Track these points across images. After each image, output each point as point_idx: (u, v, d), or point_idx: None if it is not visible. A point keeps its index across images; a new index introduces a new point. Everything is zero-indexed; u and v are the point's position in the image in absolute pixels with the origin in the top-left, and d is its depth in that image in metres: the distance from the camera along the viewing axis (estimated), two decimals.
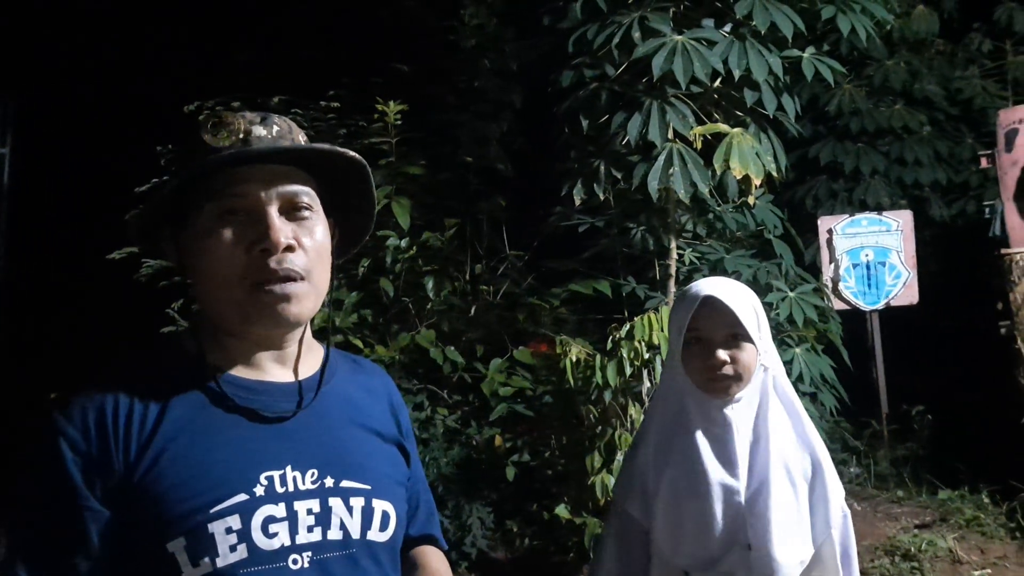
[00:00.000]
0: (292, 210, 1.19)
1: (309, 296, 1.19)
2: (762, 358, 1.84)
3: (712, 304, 1.81)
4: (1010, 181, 5.45)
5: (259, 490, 1.13)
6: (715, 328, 1.82)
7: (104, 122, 7.06)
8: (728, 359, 1.80)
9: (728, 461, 1.82)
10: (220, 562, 1.09)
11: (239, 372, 1.21)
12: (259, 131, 1.18)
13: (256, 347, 1.22)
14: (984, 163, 5.68)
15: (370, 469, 1.24)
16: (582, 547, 4.26)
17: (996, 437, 5.11)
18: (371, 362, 1.43)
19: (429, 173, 5.61)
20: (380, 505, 1.22)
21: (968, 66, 7.54)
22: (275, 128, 1.19)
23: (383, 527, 1.22)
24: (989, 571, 4.46)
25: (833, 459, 5.60)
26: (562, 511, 4.43)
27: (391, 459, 1.31)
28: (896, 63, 7.20)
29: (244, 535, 1.10)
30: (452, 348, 5.05)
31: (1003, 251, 4.83)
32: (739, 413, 1.84)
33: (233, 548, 1.09)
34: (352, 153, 1.22)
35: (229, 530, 1.09)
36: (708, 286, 1.87)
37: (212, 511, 1.10)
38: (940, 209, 7.12)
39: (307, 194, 1.21)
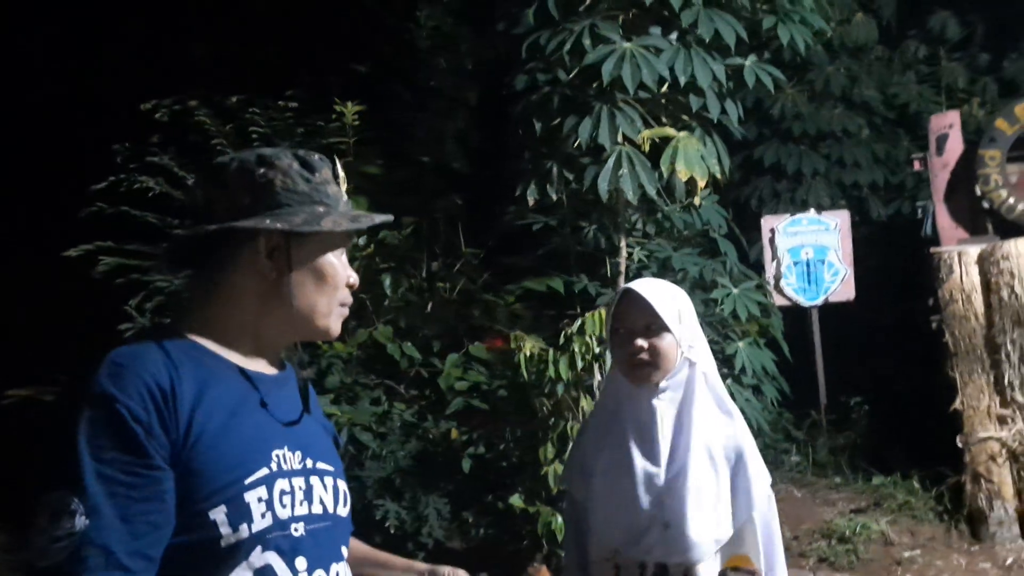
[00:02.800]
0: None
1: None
2: (686, 352, 2.00)
3: (631, 297, 1.99)
4: (940, 183, 5.75)
5: (274, 465, 1.30)
6: (634, 319, 1.99)
7: (58, 119, 7.02)
8: (645, 346, 1.97)
9: (651, 447, 1.99)
10: (254, 528, 1.24)
11: (249, 364, 1.37)
12: (345, 187, 1.47)
13: (268, 347, 1.41)
14: (917, 166, 5.98)
15: (330, 454, 1.44)
16: (535, 535, 4.42)
17: (927, 426, 5.39)
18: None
19: (386, 172, 5.72)
20: (341, 486, 1.42)
21: (905, 72, 7.85)
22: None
23: (344, 504, 1.42)
24: (919, 552, 4.74)
25: (775, 448, 5.87)
26: (516, 501, 4.58)
27: (334, 448, 1.50)
28: (836, 69, 7.47)
29: (269, 504, 1.26)
30: (409, 344, 5.16)
31: (933, 250, 5.10)
32: (665, 403, 2.01)
33: (263, 516, 1.25)
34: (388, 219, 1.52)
35: (260, 500, 1.25)
36: (632, 283, 2.05)
37: (246, 482, 1.25)
38: (878, 209, 7.42)
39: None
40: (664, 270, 5.65)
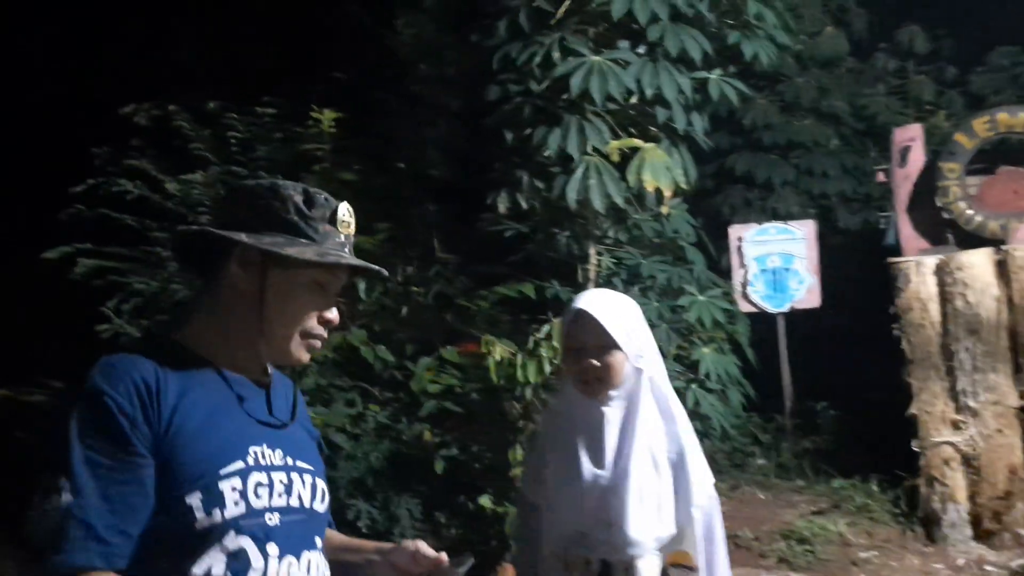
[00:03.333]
0: (336, 294, 1.57)
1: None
2: (634, 362, 2.12)
3: (584, 317, 2.09)
4: (903, 194, 5.91)
5: (250, 460, 1.44)
6: (585, 338, 2.09)
7: (37, 122, 7.08)
8: (597, 365, 2.08)
9: (597, 451, 2.10)
10: (227, 514, 1.38)
11: (234, 370, 1.52)
12: (353, 228, 1.57)
13: (248, 357, 1.53)
14: (881, 177, 6.13)
15: (311, 455, 1.58)
16: (503, 535, 4.52)
17: (887, 430, 5.54)
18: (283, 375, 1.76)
19: (363, 179, 5.81)
20: (320, 484, 1.56)
21: (874, 84, 8.04)
22: (354, 228, 1.58)
23: (322, 500, 1.56)
24: (875, 553, 4.88)
25: (742, 451, 6.00)
26: (485, 501, 4.69)
27: (316, 450, 1.64)
28: (807, 80, 7.64)
29: (243, 494, 1.40)
30: (383, 347, 5.26)
31: (891, 260, 5.25)
32: (612, 410, 2.12)
33: (236, 503, 1.39)
34: (384, 273, 1.62)
35: (234, 489, 1.40)
36: (583, 300, 2.14)
37: (220, 473, 1.39)
38: (846, 218, 7.59)
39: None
40: (633, 277, 5.79)
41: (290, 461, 1.50)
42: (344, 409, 5.19)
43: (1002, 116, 5.54)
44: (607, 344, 2.08)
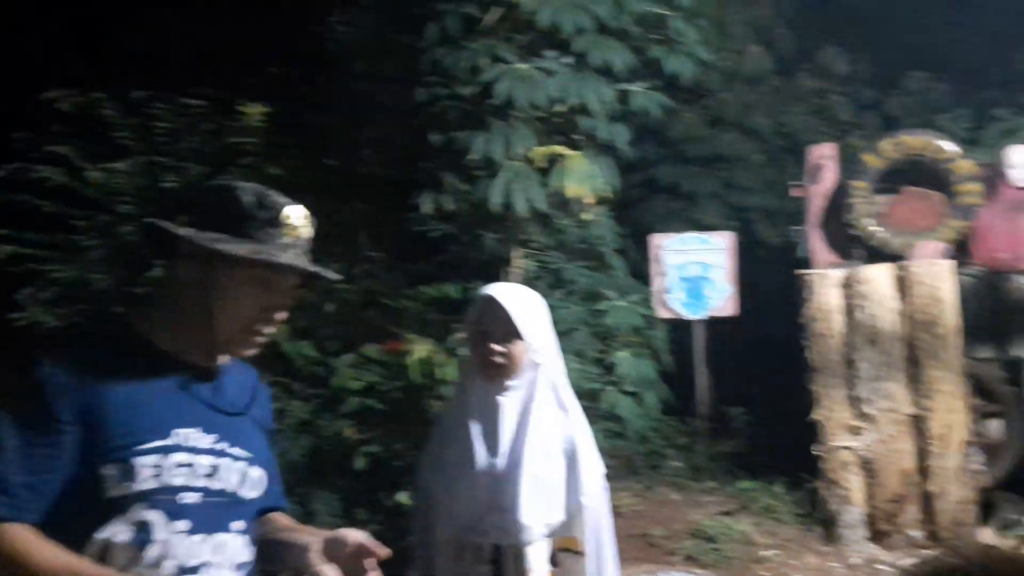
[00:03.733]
0: (287, 292, 1.64)
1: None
2: (534, 355, 2.23)
3: (493, 304, 2.20)
4: (815, 210, 6.17)
5: (173, 440, 1.53)
6: (493, 324, 2.20)
7: None
8: (502, 351, 2.19)
9: (493, 440, 2.20)
10: (137, 487, 1.48)
11: (183, 356, 1.61)
12: (306, 232, 1.63)
13: (205, 346, 1.61)
14: (795, 192, 6.39)
15: (251, 444, 1.65)
16: None
17: (794, 435, 5.76)
18: (252, 367, 1.83)
19: (292, 174, 5.81)
20: (255, 471, 1.64)
21: (796, 102, 8.33)
22: (311, 229, 1.65)
23: (254, 488, 1.64)
24: (777, 551, 5.08)
25: (657, 453, 6.17)
26: (403, 497, 4.75)
27: (264, 440, 1.72)
28: (732, 96, 7.88)
29: (159, 470, 1.51)
30: (306, 343, 5.28)
31: (800, 272, 5.49)
32: (510, 399, 2.22)
33: (150, 479, 1.49)
34: (338, 277, 1.76)
35: (148, 465, 1.50)
36: (494, 288, 2.26)
37: (137, 448, 1.50)
38: (765, 231, 7.84)
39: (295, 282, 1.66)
40: (556, 280, 5.93)
41: (223, 447, 1.58)
42: None
43: (907, 139, 5.84)
44: (511, 332, 2.18)
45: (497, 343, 2.18)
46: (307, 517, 4.87)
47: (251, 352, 1.64)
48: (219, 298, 1.56)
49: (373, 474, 5.17)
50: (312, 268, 1.62)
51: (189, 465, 1.52)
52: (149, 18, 7.31)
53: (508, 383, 2.23)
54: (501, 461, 2.19)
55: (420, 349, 4.98)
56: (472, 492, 2.19)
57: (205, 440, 1.56)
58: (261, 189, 1.61)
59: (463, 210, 5.19)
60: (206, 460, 1.55)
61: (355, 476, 5.12)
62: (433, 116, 4.88)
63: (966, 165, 5.69)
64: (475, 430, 2.22)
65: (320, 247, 5.29)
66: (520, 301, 2.23)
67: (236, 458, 1.60)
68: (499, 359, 2.18)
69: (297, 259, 1.60)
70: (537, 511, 2.17)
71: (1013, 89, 7.21)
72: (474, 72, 4.58)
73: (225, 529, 1.58)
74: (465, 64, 4.55)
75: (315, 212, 5.11)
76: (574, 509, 2.22)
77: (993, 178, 5.75)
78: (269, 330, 1.62)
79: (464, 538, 2.20)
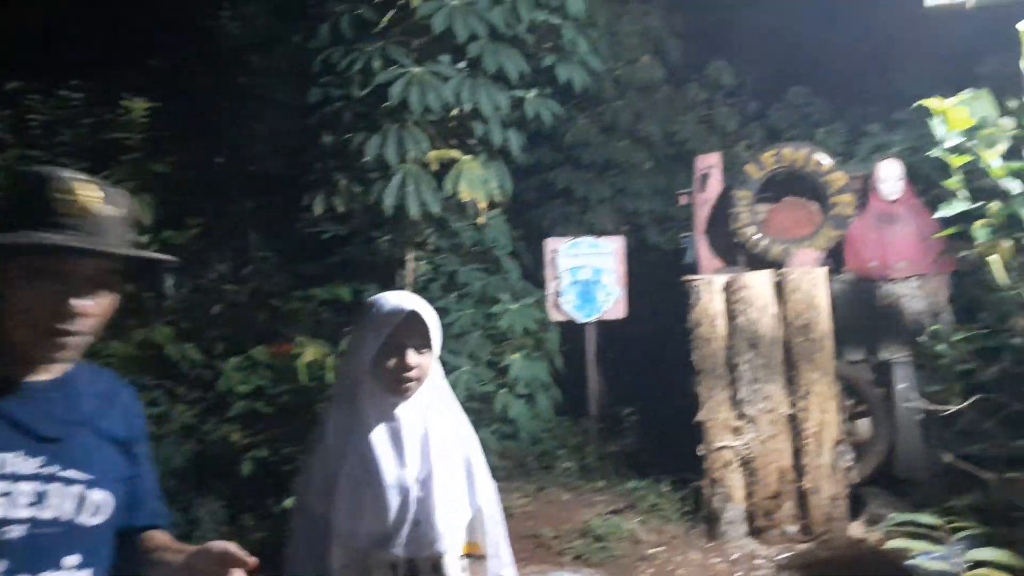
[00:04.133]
0: (89, 283, 1.43)
1: (84, 343, 1.46)
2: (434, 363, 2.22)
3: (414, 318, 2.14)
4: (701, 218, 6.38)
5: None
6: (413, 337, 2.16)
7: None
8: (420, 365, 2.16)
9: (400, 452, 2.17)
10: None
11: (8, 370, 1.44)
12: (99, 210, 1.42)
13: (17, 357, 1.44)
14: (683, 200, 6.59)
15: (93, 463, 1.46)
16: None
17: (680, 435, 5.94)
18: (112, 372, 1.67)
19: (178, 170, 5.66)
20: (97, 494, 1.45)
21: (686, 112, 8.60)
22: (110, 208, 1.43)
23: (97, 513, 1.46)
24: (662, 548, 5.23)
25: (548, 454, 6.23)
26: (291, 503, 4.66)
27: (116, 456, 1.54)
28: (624, 104, 8.08)
29: None
30: (191, 345, 5.14)
31: (686, 278, 5.67)
32: (411, 410, 2.21)
33: None
34: (157, 256, 1.51)
35: None
36: (410, 301, 2.15)
37: None
38: (654, 236, 8.08)
39: (104, 269, 1.45)
40: (450, 283, 5.95)
41: (53, 470, 1.40)
42: (146, 409, 5.01)
43: (786, 151, 6.10)
44: (426, 345, 2.16)
45: (415, 358, 2.16)
46: (191, 525, 4.74)
47: (63, 356, 1.42)
48: (7, 297, 1.38)
49: (260, 479, 5.07)
50: (95, 247, 1.39)
51: (6, 495, 1.34)
52: (28, 3, 6.95)
53: (412, 394, 2.20)
54: (411, 473, 2.16)
55: (310, 351, 4.91)
56: (381, 508, 2.13)
57: (28, 465, 1.38)
58: (49, 171, 1.42)
59: (356, 212, 5.15)
60: (29, 487, 1.37)
61: (241, 482, 5.02)
62: (326, 116, 4.82)
63: (840, 177, 5.99)
64: (379, 444, 2.17)
65: (208, 246, 5.17)
66: (433, 314, 2.21)
67: (71, 481, 1.42)
68: (416, 372, 2.16)
69: (77, 240, 1.38)
70: (450, 520, 2.16)
71: (884, 108, 7.64)
72: (368, 74, 4.55)
73: (55, 566, 1.40)
74: (359, 65, 4.51)
75: (203, 210, 4.99)
76: (475, 513, 2.24)
77: (865, 190, 6.08)
78: (78, 327, 1.41)
79: (373, 557, 2.13)
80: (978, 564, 3.09)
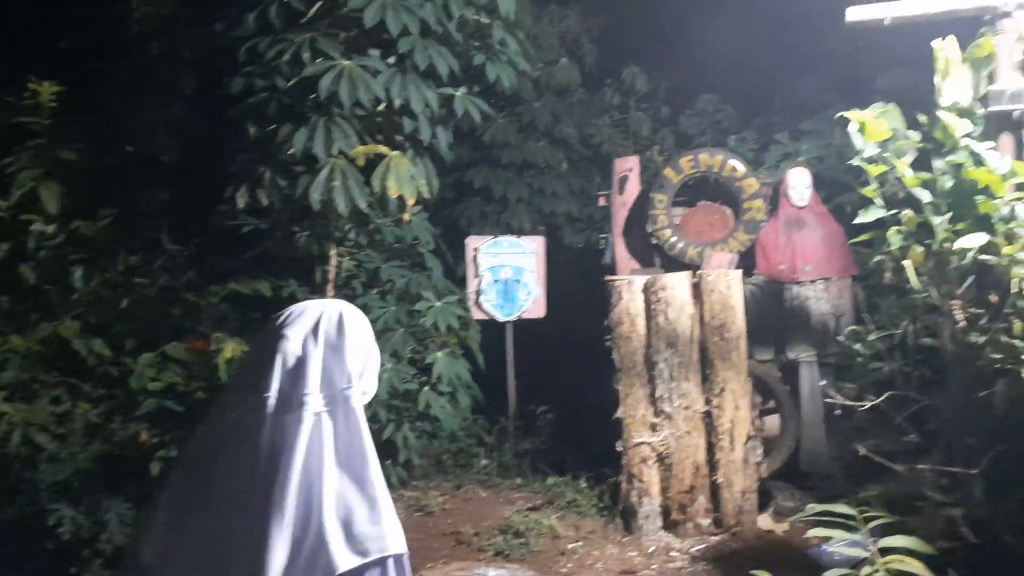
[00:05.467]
0: None
1: None
2: None
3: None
4: (619, 219, 6.52)
5: None
6: None
7: None
8: None
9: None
10: None
11: None
12: None
13: None
14: (602, 201, 6.72)
15: None
16: None
17: (599, 432, 6.06)
18: None
19: (87, 158, 5.41)
20: None
21: (602, 115, 8.76)
22: None
23: None
24: (581, 543, 5.33)
25: (466, 452, 6.26)
26: None
27: None
28: (542, 106, 8.17)
29: None
30: (99, 341, 4.93)
31: (608, 278, 5.78)
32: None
33: None
34: None
35: None
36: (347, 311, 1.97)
37: None
38: (571, 236, 8.20)
39: None
40: (373, 280, 5.89)
41: None
42: (49, 407, 4.79)
43: (703, 156, 6.30)
44: None
45: None
46: (98, 527, 4.55)
47: None
48: None
49: None
50: None
51: None
52: None
53: None
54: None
55: (229, 348, 4.78)
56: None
57: None
58: None
59: (276, 205, 5.04)
60: None
61: (149, 483, 4.85)
62: (250, 107, 4.69)
63: (753, 183, 6.22)
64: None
65: (117, 238, 4.97)
66: None
67: None
68: None
69: None
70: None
71: (792, 118, 7.98)
72: (296, 65, 4.46)
73: None
74: (287, 56, 4.41)
75: (113, 201, 4.80)
76: None
77: (775, 197, 6.33)
78: None
79: None
80: (889, 550, 3.26)
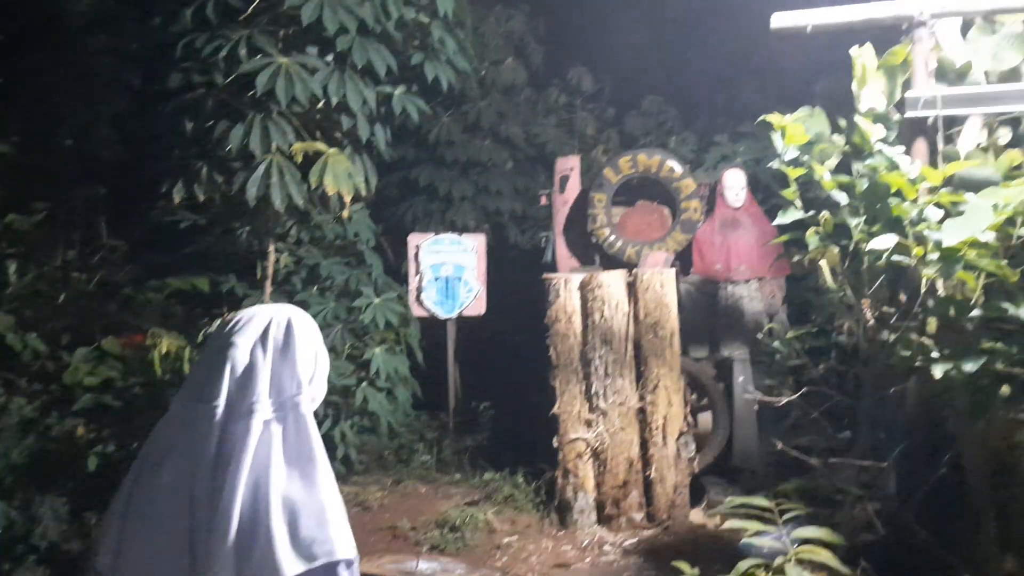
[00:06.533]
0: None
1: None
2: None
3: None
4: (561, 218, 6.62)
5: None
6: None
7: None
8: None
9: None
10: None
11: None
12: None
13: None
14: (543, 200, 6.81)
15: None
16: None
17: (536, 429, 6.16)
18: None
19: (21, 152, 5.37)
20: None
21: (547, 115, 8.86)
22: None
23: None
24: (516, 538, 5.41)
25: (406, 448, 6.31)
26: None
27: None
28: (488, 104, 8.23)
29: None
30: (34, 335, 4.90)
31: (545, 276, 5.88)
32: None
33: None
34: None
35: None
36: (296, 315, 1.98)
37: None
38: (515, 235, 8.28)
39: None
40: (312, 276, 5.92)
41: None
42: None
43: (641, 157, 6.43)
44: None
45: None
46: (32, 523, 4.53)
47: None
48: None
49: (107, 476, 4.90)
50: None
51: None
52: None
53: None
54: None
55: (166, 343, 4.78)
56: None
57: None
58: None
59: (215, 201, 5.05)
60: None
61: (86, 478, 4.83)
62: (186, 103, 4.70)
63: (690, 184, 6.36)
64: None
65: (53, 232, 4.95)
66: None
67: None
68: None
69: None
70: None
71: (731, 120, 8.15)
72: (233, 62, 4.48)
73: None
74: (223, 53, 4.43)
75: (49, 195, 4.80)
76: None
77: (712, 197, 6.48)
78: None
79: None
80: (804, 541, 3.40)
